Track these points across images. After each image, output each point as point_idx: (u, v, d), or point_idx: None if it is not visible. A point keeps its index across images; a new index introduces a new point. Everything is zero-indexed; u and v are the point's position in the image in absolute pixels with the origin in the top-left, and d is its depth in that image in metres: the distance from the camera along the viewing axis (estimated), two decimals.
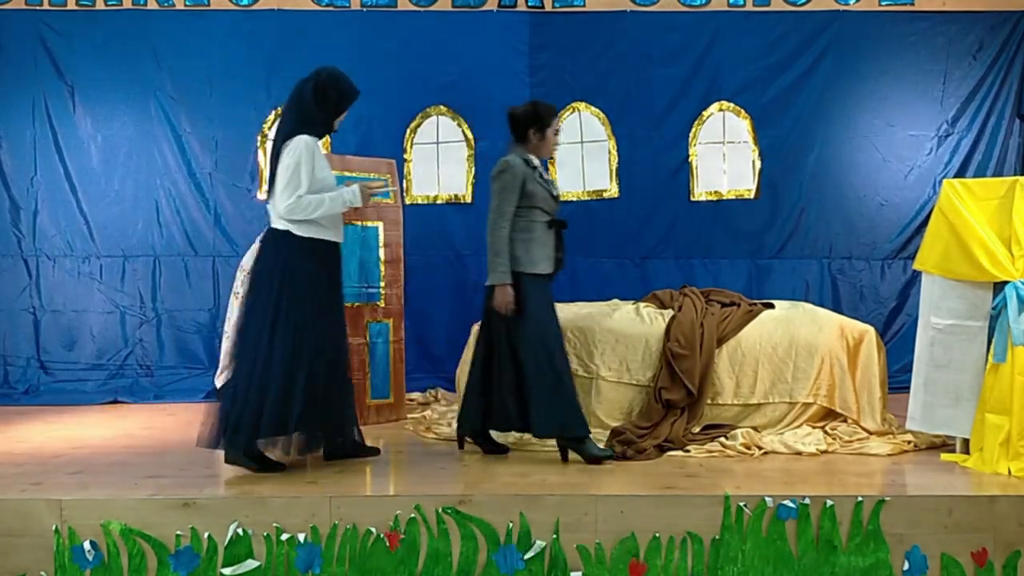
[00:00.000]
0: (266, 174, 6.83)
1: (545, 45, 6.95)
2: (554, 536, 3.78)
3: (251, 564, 3.76)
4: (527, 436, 4.77)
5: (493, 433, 4.80)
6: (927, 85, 6.96)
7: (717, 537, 3.78)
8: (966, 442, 4.54)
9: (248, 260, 6.00)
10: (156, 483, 4.09)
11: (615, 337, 5.16)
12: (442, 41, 6.88)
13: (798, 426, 4.98)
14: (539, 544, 3.78)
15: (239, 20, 6.87)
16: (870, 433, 4.92)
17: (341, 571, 3.78)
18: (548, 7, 6.93)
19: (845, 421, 5.02)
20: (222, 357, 6.02)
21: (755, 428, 4.94)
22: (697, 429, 4.96)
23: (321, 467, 4.47)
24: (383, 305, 5.74)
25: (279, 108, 6.87)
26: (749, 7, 6.94)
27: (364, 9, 6.91)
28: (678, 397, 4.97)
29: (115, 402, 6.55)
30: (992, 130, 6.99)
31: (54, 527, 3.75)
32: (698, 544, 3.78)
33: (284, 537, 3.77)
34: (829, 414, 5.06)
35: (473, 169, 6.96)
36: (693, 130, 6.98)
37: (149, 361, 6.86)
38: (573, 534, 3.79)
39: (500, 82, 6.89)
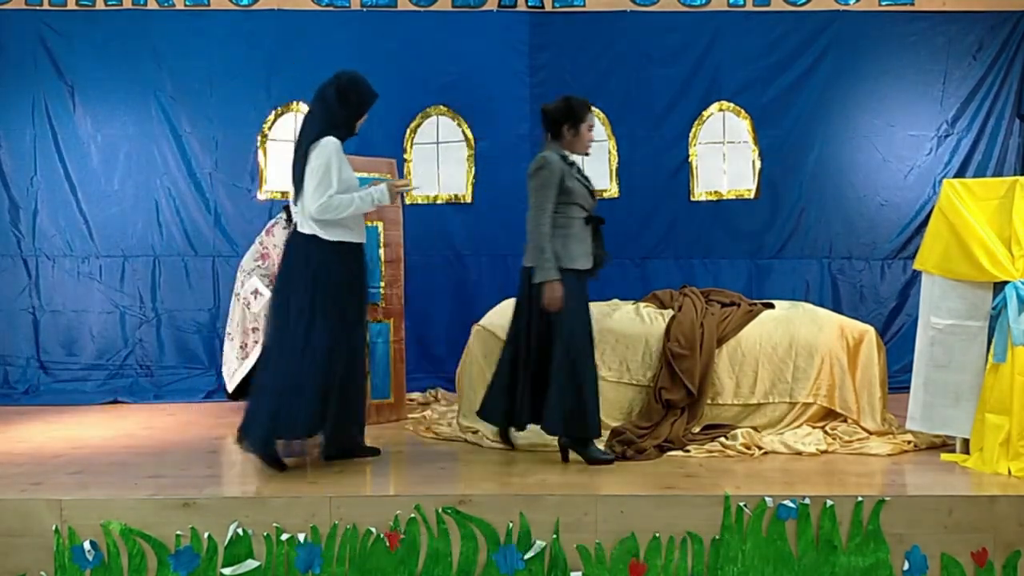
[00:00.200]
0: (266, 174, 6.90)
1: (545, 45, 6.94)
2: (554, 536, 3.78)
3: (251, 564, 3.76)
4: (540, 436, 4.75)
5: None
6: (927, 85, 6.96)
7: (717, 537, 3.78)
8: (966, 442, 4.54)
9: (248, 260, 6.02)
10: (156, 483, 4.09)
11: (615, 337, 5.15)
12: (442, 41, 6.88)
13: (798, 426, 4.98)
14: (539, 544, 3.78)
15: (239, 20, 6.86)
16: (870, 433, 4.92)
17: (341, 571, 3.78)
18: (548, 7, 6.93)
19: (845, 421, 5.02)
20: (226, 357, 6.02)
21: (755, 428, 4.94)
22: (697, 429, 4.97)
23: (321, 467, 4.47)
24: (383, 305, 5.75)
25: (279, 108, 6.88)
26: (749, 7, 6.93)
27: (364, 9, 6.91)
28: (678, 397, 4.97)
29: (115, 402, 6.55)
30: (992, 130, 6.99)
31: (54, 527, 3.75)
32: (698, 544, 3.78)
33: (284, 537, 3.77)
34: (829, 414, 5.06)
35: (473, 169, 6.96)
36: (693, 130, 6.98)
37: (149, 361, 6.86)
38: (573, 534, 3.79)
39: (500, 82, 6.89)
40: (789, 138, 6.97)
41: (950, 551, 3.76)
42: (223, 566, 3.76)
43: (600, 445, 4.64)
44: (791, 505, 3.79)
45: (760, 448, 4.74)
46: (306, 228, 4.41)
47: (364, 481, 4.20)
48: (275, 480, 4.26)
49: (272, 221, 6.08)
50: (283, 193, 6.76)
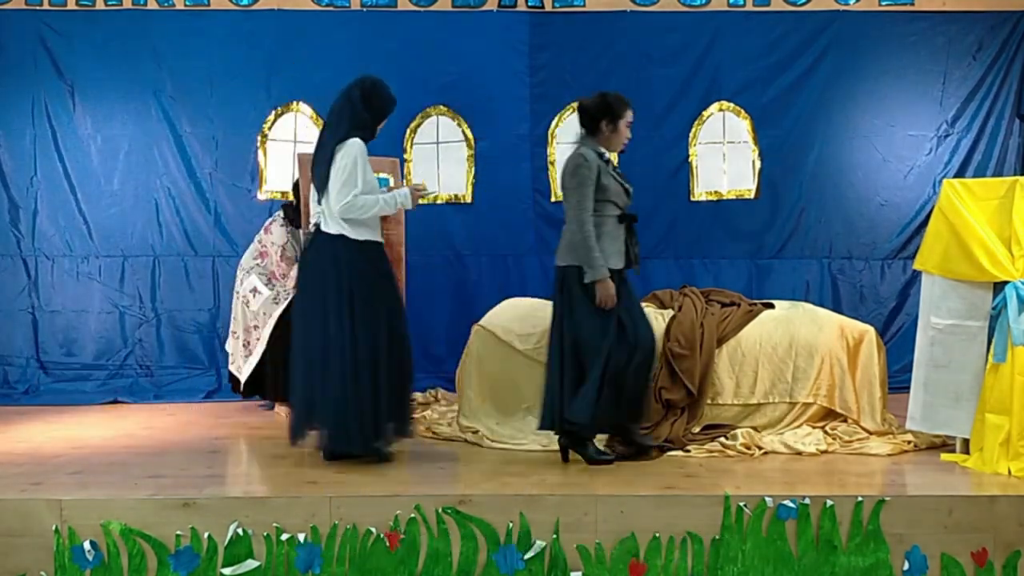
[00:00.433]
0: (266, 174, 6.90)
1: (545, 45, 6.94)
2: (554, 536, 3.78)
3: (251, 564, 3.76)
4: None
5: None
6: (927, 85, 6.96)
7: (717, 537, 3.78)
8: (966, 442, 4.54)
9: (247, 258, 6.02)
10: (156, 483, 4.09)
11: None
12: (442, 41, 6.88)
13: (798, 426, 4.98)
14: (539, 544, 3.78)
15: (239, 20, 6.86)
16: (870, 433, 4.91)
17: (341, 571, 3.78)
18: (548, 7, 6.93)
19: (845, 421, 5.01)
20: (232, 355, 6.01)
21: (755, 428, 4.94)
22: (697, 429, 4.96)
23: (321, 467, 4.48)
24: None
25: (279, 108, 6.88)
26: (749, 7, 6.93)
27: (364, 9, 6.91)
28: (678, 397, 4.97)
29: (115, 402, 6.54)
30: (992, 130, 6.98)
31: (54, 527, 3.75)
32: (698, 544, 3.78)
33: (284, 537, 3.77)
34: (829, 414, 5.06)
35: (473, 169, 6.96)
36: (693, 130, 6.98)
37: (149, 361, 6.86)
38: (573, 534, 3.79)
39: (500, 82, 6.89)
40: (789, 138, 6.97)
41: (950, 551, 3.76)
42: (223, 566, 3.76)
43: (600, 445, 4.64)
44: (791, 505, 3.79)
45: (760, 448, 4.74)
46: (332, 228, 4.47)
47: (364, 481, 4.20)
48: (275, 480, 4.26)
49: (270, 219, 6.08)
50: (283, 193, 6.76)
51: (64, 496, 3.84)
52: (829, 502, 3.79)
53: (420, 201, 4.92)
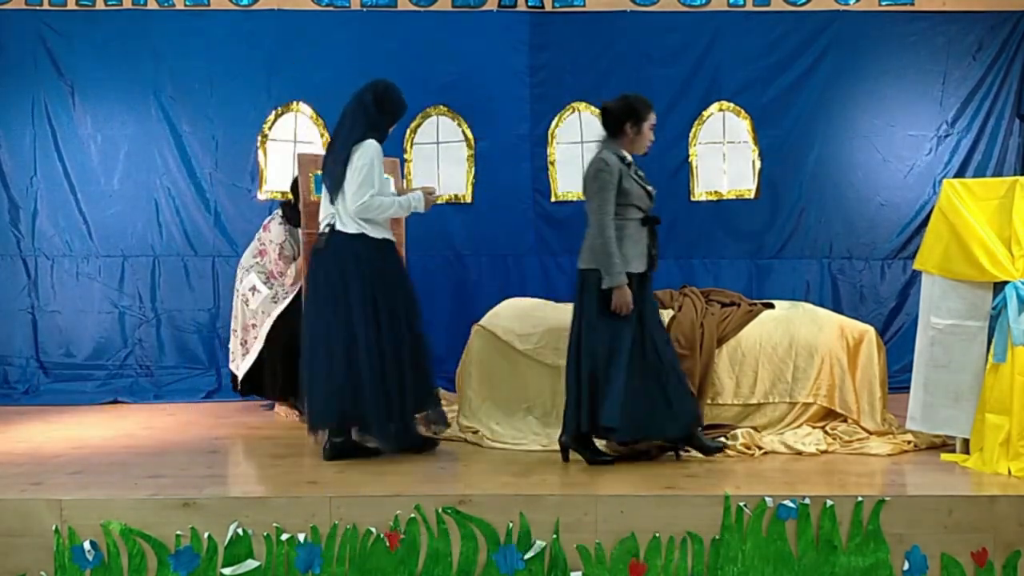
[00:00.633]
0: (266, 174, 6.90)
1: (545, 45, 6.94)
2: (554, 536, 3.78)
3: (251, 564, 3.76)
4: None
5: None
6: (927, 85, 6.95)
7: (717, 537, 3.78)
8: (966, 442, 4.54)
9: (247, 257, 6.03)
10: (156, 483, 4.09)
11: None
12: (442, 41, 6.87)
13: (798, 426, 4.97)
14: (539, 544, 3.78)
15: (239, 20, 6.86)
16: (870, 433, 4.91)
17: (341, 571, 3.78)
18: (548, 7, 6.93)
19: (845, 421, 5.01)
20: (232, 353, 6.01)
21: (755, 428, 4.93)
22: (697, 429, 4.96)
23: (321, 467, 4.48)
24: None
25: (279, 108, 6.88)
26: (749, 7, 6.93)
27: (364, 9, 6.91)
28: None
29: (115, 402, 6.55)
30: (992, 130, 6.98)
31: (54, 527, 3.75)
32: (698, 544, 3.78)
33: (284, 537, 3.77)
34: (829, 414, 5.05)
35: (473, 169, 6.96)
36: (693, 130, 6.98)
37: (149, 361, 6.86)
38: (573, 534, 3.79)
39: (500, 82, 6.89)
40: (789, 138, 6.97)
41: (950, 551, 3.76)
42: (223, 566, 3.76)
43: (600, 445, 4.63)
44: (791, 505, 3.79)
45: (760, 448, 4.74)
46: (351, 227, 4.56)
47: (364, 481, 4.20)
48: (275, 480, 4.27)
49: (269, 217, 6.08)
50: (283, 193, 6.76)
51: (64, 496, 3.84)
52: (829, 502, 3.79)
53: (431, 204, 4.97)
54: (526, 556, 3.77)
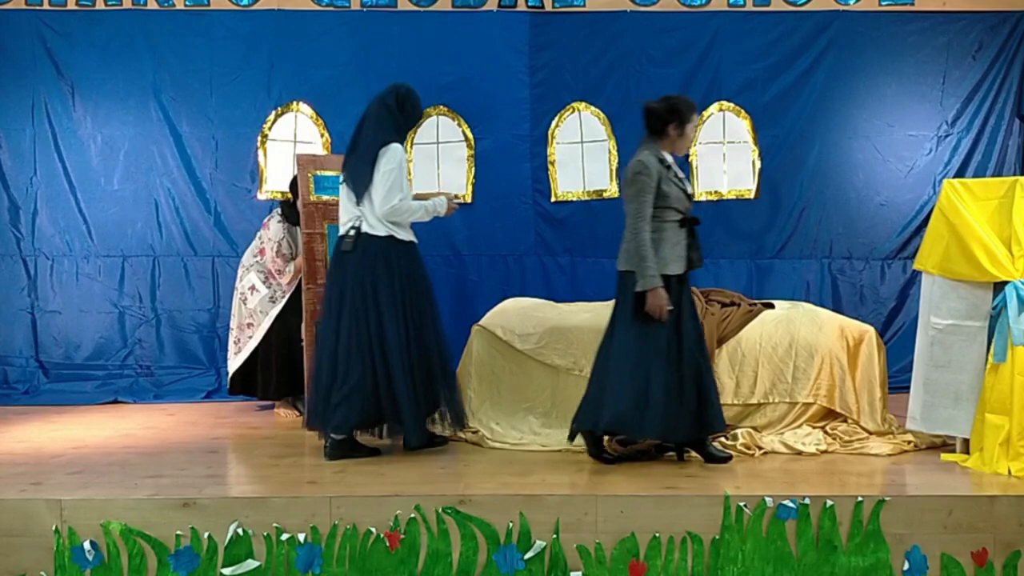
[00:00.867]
0: (266, 174, 6.89)
1: (545, 45, 6.94)
2: (554, 536, 3.78)
3: (251, 564, 3.77)
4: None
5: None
6: (927, 85, 6.95)
7: (717, 537, 3.78)
8: (966, 442, 4.54)
9: (248, 256, 6.02)
10: (156, 483, 4.09)
11: None
12: (442, 41, 6.87)
13: (798, 426, 4.98)
14: (539, 544, 3.78)
15: (239, 20, 6.85)
16: (870, 433, 4.91)
17: (341, 571, 3.78)
18: (548, 7, 6.93)
19: (845, 421, 5.01)
20: (231, 350, 6.01)
21: (755, 428, 4.94)
22: None
23: (321, 467, 4.48)
24: None
25: (279, 108, 6.88)
26: (749, 7, 6.93)
27: (364, 9, 6.91)
28: None
29: (115, 402, 6.54)
30: (992, 130, 6.98)
31: (54, 527, 3.76)
32: (698, 544, 3.78)
33: (284, 537, 3.77)
34: (829, 414, 5.05)
35: (473, 169, 6.96)
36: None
37: (149, 361, 6.86)
38: (573, 534, 3.79)
39: (500, 82, 6.88)
40: (789, 138, 6.97)
41: (950, 551, 3.76)
42: (223, 566, 3.76)
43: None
44: (791, 505, 3.79)
45: (760, 448, 4.74)
46: (380, 230, 4.63)
47: (364, 481, 4.20)
48: (275, 480, 4.26)
49: (268, 216, 6.08)
50: (283, 193, 6.76)
51: (64, 496, 3.84)
52: (829, 502, 3.79)
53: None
54: (526, 556, 3.77)
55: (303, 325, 5.58)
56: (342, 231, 4.73)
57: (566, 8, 6.92)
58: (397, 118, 4.70)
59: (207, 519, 3.78)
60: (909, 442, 4.80)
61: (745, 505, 3.79)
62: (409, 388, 4.59)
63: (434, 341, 4.74)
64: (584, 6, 6.92)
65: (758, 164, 6.97)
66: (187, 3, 6.85)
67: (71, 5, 6.81)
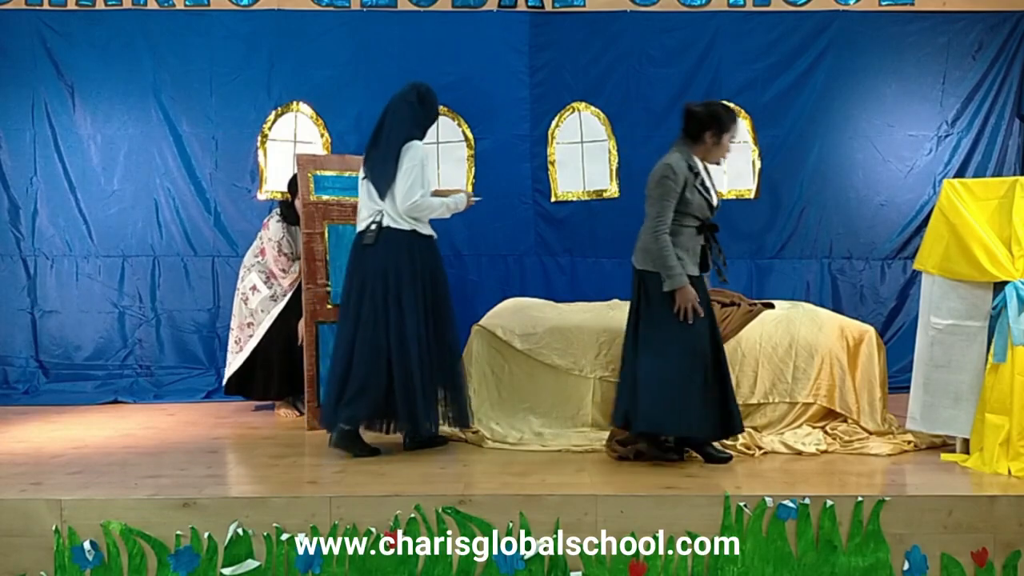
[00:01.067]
0: (266, 174, 6.89)
1: (545, 45, 6.94)
2: (554, 536, 3.78)
3: (251, 564, 3.76)
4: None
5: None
6: (927, 85, 6.95)
7: (717, 537, 3.77)
8: (966, 442, 4.54)
9: (249, 256, 6.02)
10: (156, 483, 4.09)
11: (614, 337, 5.14)
12: (442, 41, 6.87)
13: (798, 426, 4.98)
14: (539, 544, 3.77)
15: (239, 20, 6.85)
16: (870, 433, 4.92)
17: (341, 571, 3.77)
18: (548, 7, 6.93)
19: (845, 421, 5.02)
20: (231, 349, 6.01)
21: (755, 428, 4.94)
22: None
23: (321, 467, 4.48)
24: None
25: (279, 108, 6.88)
26: (749, 7, 6.93)
27: (364, 9, 6.91)
28: None
29: (115, 402, 6.54)
30: (992, 130, 6.98)
31: (54, 527, 3.75)
32: (698, 544, 3.77)
33: (284, 537, 3.77)
34: (829, 414, 5.06)
35: (473, 169, 6.96)
36: None
37: (149, 361, 6.86)
38: (573, 534, 3.78)
39: (500, 82, 6.88)
40: (789, 138, 6.97)
41: (950, 551, 3.76)
42: (223, 566, 3.76)
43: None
44: (791, 505, 3.79)
45: (760, 448, 4.74)
46: (404, 224, 4.67)
47: (364, 481, 4.20)
48: (275, 480, 4.26)
49: (268, 216, 6.08)
50: (282, 193, 6.75)
51: (64, 496, 3.83)
52: (829, 502, 3.79)
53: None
54: (526, 556, 3.77)
55: (303, 325, 5.57)
56: (362, 227, 4.75)
57: (566, 8, 6.93)
58: (419, 115, 4.77)
59: (207, 519, 3.78)
60: (909, 442, 4.80)
61: (745, 505, 3.79)
62: (427, 382, 4.64)
63: (452, 336, 4.80)
64: (584, 6, 6.93)
65: (758, 164, 6.97)
66: (187, 3, 6.85)
67: (71, 5, 6.81)
